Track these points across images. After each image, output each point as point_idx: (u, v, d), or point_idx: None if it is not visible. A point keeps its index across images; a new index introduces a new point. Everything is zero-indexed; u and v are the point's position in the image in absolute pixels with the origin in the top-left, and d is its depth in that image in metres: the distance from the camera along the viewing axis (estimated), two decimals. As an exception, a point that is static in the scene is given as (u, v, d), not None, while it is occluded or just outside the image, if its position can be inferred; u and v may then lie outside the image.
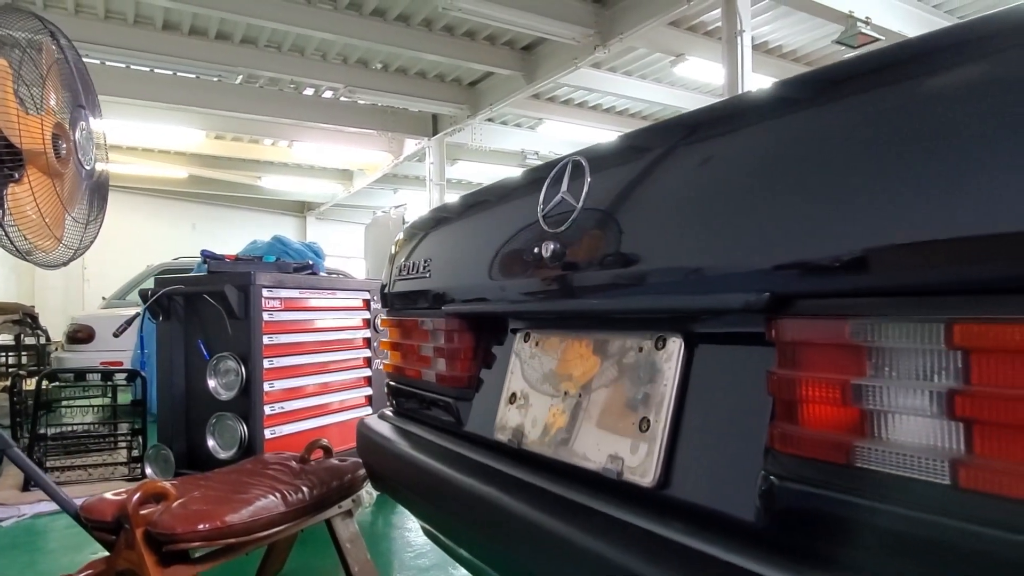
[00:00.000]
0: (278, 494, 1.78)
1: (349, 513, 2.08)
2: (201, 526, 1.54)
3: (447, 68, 7.57)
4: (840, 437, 0.58)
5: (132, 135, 8.85)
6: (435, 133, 9.03)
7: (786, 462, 0.63)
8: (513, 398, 1.08)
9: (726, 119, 0.80)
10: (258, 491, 1.79)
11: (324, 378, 2.83)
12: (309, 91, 8.02)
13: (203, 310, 2.58)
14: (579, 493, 0.86)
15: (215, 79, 7.44)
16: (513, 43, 6.91)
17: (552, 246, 0.92)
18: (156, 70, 7.15)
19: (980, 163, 0.49)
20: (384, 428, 1.44)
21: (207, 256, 2.52)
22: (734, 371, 0.73)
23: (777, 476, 0.64)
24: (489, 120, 8.86)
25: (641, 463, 0.80)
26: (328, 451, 2.13)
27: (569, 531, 0.80)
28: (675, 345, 0.80)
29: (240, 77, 7.38)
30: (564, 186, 0.94)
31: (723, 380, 0.74)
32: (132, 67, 7.00)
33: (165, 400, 2.66)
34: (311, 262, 2.79)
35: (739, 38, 4.73)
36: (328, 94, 8.01)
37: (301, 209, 14.35)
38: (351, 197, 12.58)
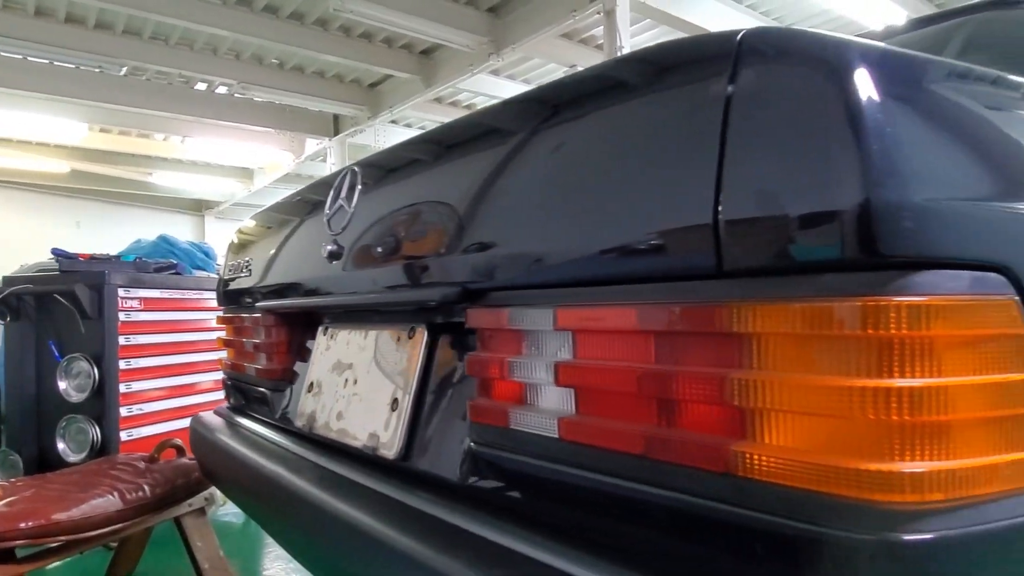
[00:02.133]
0: (116, 492, 1.78)
1: (201, 511, 2.10)
2: (24, 524, 1.54)
3: (345, 69, 7.52)
4: (502, 405, 0.70)
5: (2, 125, 8.28)
6: (336, 133, 8.93)
7: (479, 430, 0.75)
8: (311, 387, 1.16)
9: (442, 144, 0.93)
10: (97, 490, 1.78)
11: (189, 379, 2.80)
12: (201, 86, 7.76)
13: (55, 310, 2.51)
14: (348, 469, 0.96)
15: (96, 70, 7.08)
16: (411, 47, 6.96)
17: (331, 247, 1.01)
18: (29, 58, 6.74)
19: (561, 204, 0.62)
20: (213, 423, 1.49)
21: (58, 254, 2.46)
22: (456, 356, 0.85)
23: (475, 443, 0.76)
24: (393, 122, 8.85)
25: (390, 438, 0.90)
26: (181, 450, 2.14)
27: (335, 504, 0.89)
28: (422, 335, 0.91)
29: (124, 69, 7.06)
30: (343, 192, 1.04)
31: (450, 364, 0.86)
32: (1, 54, 6.56)
33: (14, 403, 2.57)
34: (175, 262, 2.76)
35: (619, 53, 4.98)
36: (222, 90, 7.78)
37: (199, 208, 13.78)
38: (252, 196, 12.19)
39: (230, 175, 11.58)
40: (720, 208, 0.49)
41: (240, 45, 6.81)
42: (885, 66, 0.46)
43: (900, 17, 4.89)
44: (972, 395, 0.44)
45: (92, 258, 2.50)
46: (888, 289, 0.43)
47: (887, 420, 0.43)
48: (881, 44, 0.49)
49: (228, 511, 2.82)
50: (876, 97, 0.44)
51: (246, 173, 11.63)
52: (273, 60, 7.26)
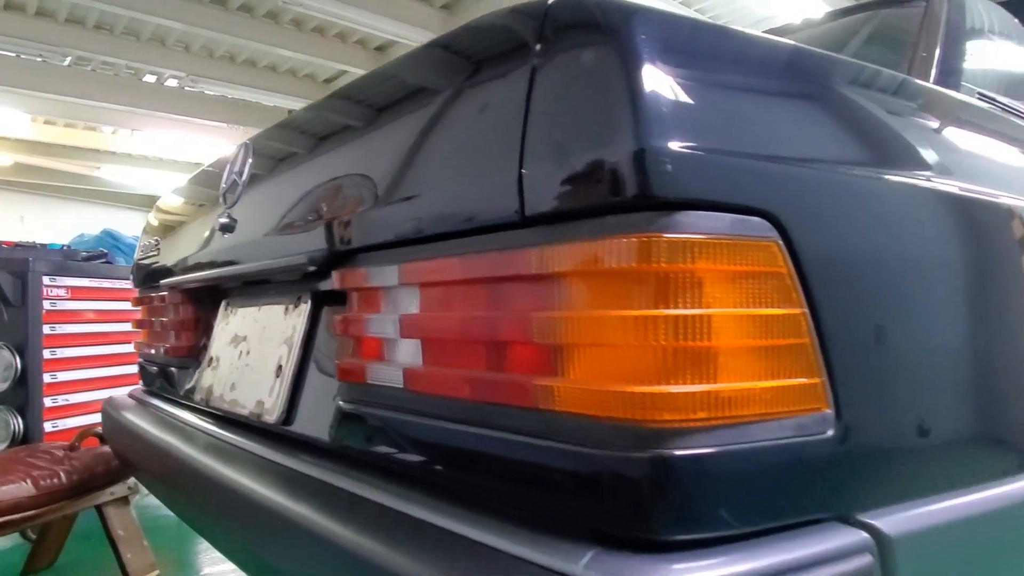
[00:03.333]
0: (29, 479, 1.75)
1: (125, 500, 2.07)
2: (-73, 509, 1.51)
3: (299, 64, 7.45)
4: (362, 362, 0.73)
5: (-62, 115, 7.98)
6: (291, 129, 8.83)
7: (346, 388, 0.78)
8: (211, 361, 1.17)
9: (315, 121, 0.97)
10: (9, 476, 1.75)
11: (119, 370, 2.76)
12: (150, 78, 7.59)
13: (-24, 298, 2.45)
14: (235, 437, 0.98)
15: (38, 59, 6.88)
16: (365, 43, 6.93)
17: (223, 220, 1.03)
18: (-34, 45, 6.51)
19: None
20: (123, 404, 1.48)
21: (-22, 242, 2.41)
22: (332, 321, 0.88)
23: (343, 401, 0.78)
24: (348, 118, 8.79)
25: (272, 404, 0.92)
26: (103, 439, 2.11)
27: (218, 471, 0.91)
28: (306, 303, 0.93)
29: (68, 59, 6.87)
30: (237, 166, 1.05)
31: (328, 329, 0.88)
32: (-65, 40, 6.33)
33: (-68, 395, 2.50)
34: (106, 251, 2.71)
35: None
36: (172, 82, 7.62)
37: (150, 204, 13.43)
38: (205, 192, 11.95)
39: (182, 170, 11.34)
40: (524, 163, 0.53)
41: (189, 37, 6.70)
42: (661, 29, 0.50)
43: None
44: (734, 325, 0.49)
45: (16, 245, 2.44)
46: (656, 227, 0.47)
47: (657, 346, 0.47)
48: (662, 10, 0.54)
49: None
50: (649, 56, 0.48)
51: (198, 168, 11.42)
52: (224, 53, 7.15)
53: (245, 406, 0.99)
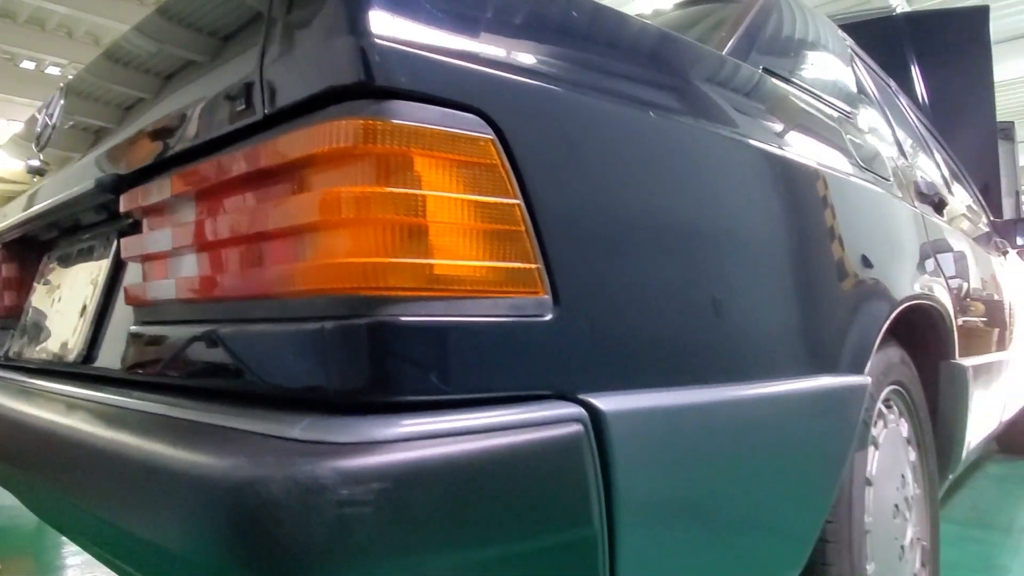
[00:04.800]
0: None
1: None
2: None
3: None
4: (148, 282, 0.73)
5: None
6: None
7: (136, 312, 0.78)
8: (27, 316, 1.13)
9: (103, 68, 0.97)
10: None
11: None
12: (28, 64, 7.14)
13: None
14: (42, 382, 0.95)
15: (-103, 38, 6.34)
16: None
17: (34, 163, 1.01)
18: None
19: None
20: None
21: None
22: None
23: (135, 324, 0.78)
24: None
25: (75, 343, 0.91)
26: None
27: (31, 415, 0.88)
28: (112, 242, 0.93)
29: (-67, 39, 6.37)
30: (49, 107, 1.03)
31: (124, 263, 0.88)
32: None
33: None
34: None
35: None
36: (53, 70, 7.19)
37: (34, 202, 12.58)
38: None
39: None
40: (263, 65, 0.57)
41: (71, 21, 6.34)
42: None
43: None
44: (448, 207, 0.53)
45: None
46: (373, 112, 0.51)
47: (375, 221, 0.51)
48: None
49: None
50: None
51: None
52: (113, 40, 6.81)
53: (52, 351, 0.97)
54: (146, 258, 0.74)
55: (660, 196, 0.69)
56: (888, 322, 1.03)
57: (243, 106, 0.59)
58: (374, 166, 0.52)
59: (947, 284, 1.37)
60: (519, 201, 0.57)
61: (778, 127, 0.93)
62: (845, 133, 1.15)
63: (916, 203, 1.38)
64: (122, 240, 0.78)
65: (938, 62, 3.36)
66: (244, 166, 0.58)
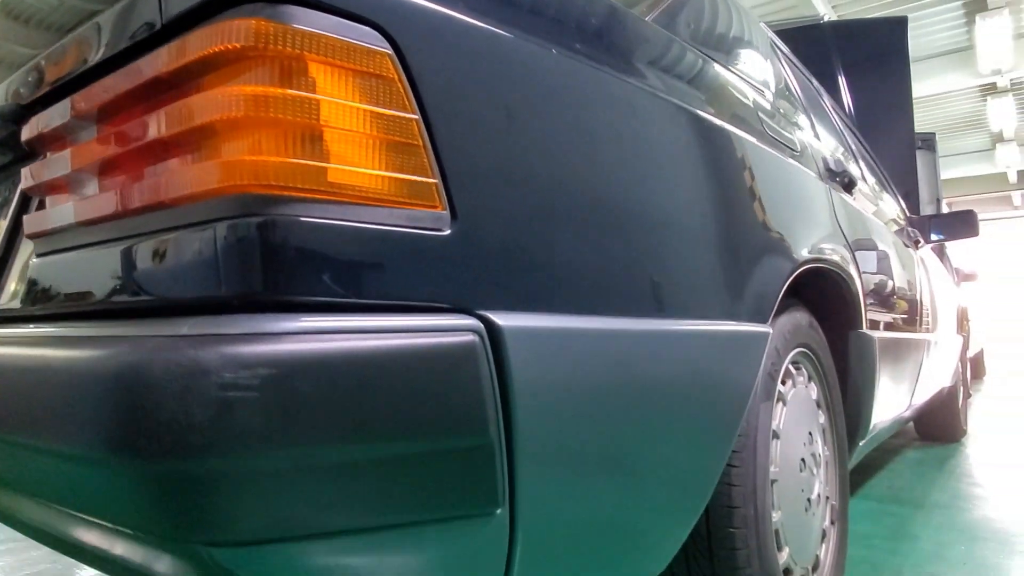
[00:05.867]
0: None
1: None
2: None
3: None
4: (48, 212, 0.72)
5: None
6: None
7: (37, 244, 0.76)
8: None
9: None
10: None
11: None
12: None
13: None
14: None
15: None
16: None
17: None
18: None
19: None
20: None
21: None
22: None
23: (36, 256, 0.76)
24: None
25: (-26, 286, 0.88)
26: None
27: None
28: (18, 178, 0.90)
29: None
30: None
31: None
32: None
33: None
34: None
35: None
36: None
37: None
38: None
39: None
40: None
41: None
42: None
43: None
44: (342, 114, 0.55)
45: None
46: (267, 15, 0.52)
47: (268, 120, 0.52)
48: None
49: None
50: None
51: None
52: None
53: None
54: (46, 186, 0.72)
55: (566, 130, 0.72)
56: (790, 278, 1.08)
57: (142, 18, 0.59)
58: (268, 67, 0.52)
59: (853, 257, 1.45)
60: (417, 117, 0.58)
61: (685, 85, 0.98)
62: (755, 105, 1.21)
63: (825, 180, 1.46)
64: (22, 170, 0.76)
65: (861, 71, 3.54)
66: (143, 76, 0.58)
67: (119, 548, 0.57)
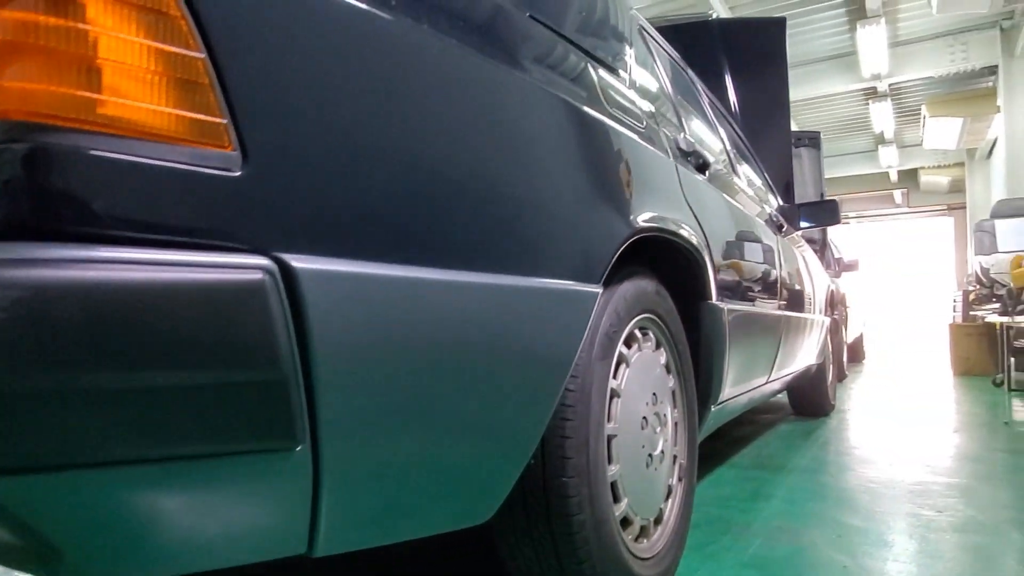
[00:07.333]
0: None
1: None
2: None
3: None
4: None
5: None
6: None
7: None
8: None
9: None
10: None
11: None
12: None
13: None
14: None
15: None
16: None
17: None
18: None
19: None
20: None
21: None
22: None
23: None
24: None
25: None
26: None
27: None
28: None
29: None
30: None
31: None
32: None
33: None
34: None
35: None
36: None
37: None
38: None
39: None
40: None
41: None
42: None
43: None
44: (120, 46, 0.55)
45: None
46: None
47: (45, 48, 0.52)
48: None
49: None
50: None
51: None
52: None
53: None
54: None
55: (372, 74, 0.73)
56: (624, 243, 1.15)
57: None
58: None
59: (702, 230, 1.55)
60: (203, 56, 0.59)
61: (520, 51, 1.01)
62: (598, 80, 1.27)
63: (675, 158, 1.55)
64: None
65: (745, 69, 3.74)
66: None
67: None
